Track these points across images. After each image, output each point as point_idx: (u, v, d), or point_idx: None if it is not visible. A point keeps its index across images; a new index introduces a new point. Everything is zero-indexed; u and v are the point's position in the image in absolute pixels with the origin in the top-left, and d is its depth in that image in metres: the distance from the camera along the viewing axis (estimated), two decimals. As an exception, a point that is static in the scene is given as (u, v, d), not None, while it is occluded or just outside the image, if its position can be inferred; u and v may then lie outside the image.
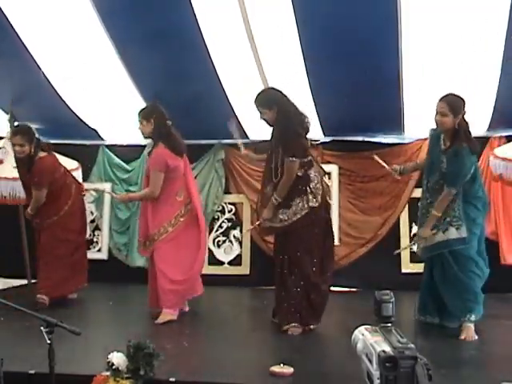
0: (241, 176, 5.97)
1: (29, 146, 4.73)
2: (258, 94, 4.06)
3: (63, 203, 4.90)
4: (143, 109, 4.49)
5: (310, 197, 3.96)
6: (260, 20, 4.45)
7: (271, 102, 3.96)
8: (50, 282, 4.82)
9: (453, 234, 3.85)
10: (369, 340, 2.04)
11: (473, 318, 3.83)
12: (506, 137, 5.37)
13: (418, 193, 5.53)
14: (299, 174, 3.97)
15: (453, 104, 3.76)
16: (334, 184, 5.73)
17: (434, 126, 3.94)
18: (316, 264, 3.99)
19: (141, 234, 4.55)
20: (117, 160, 6.27)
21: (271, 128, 4.10)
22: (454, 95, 3.80)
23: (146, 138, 4.55)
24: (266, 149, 4.18)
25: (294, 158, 3.90)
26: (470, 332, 3.79)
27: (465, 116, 3.79)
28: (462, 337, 3.77)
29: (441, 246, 3.89)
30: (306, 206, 3.96)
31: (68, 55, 4.92)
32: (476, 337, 3.77)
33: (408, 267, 5.54)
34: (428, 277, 4.14)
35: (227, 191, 6.03)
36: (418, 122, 5.32)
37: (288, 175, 3.93)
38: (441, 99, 3.80)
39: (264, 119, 4.03)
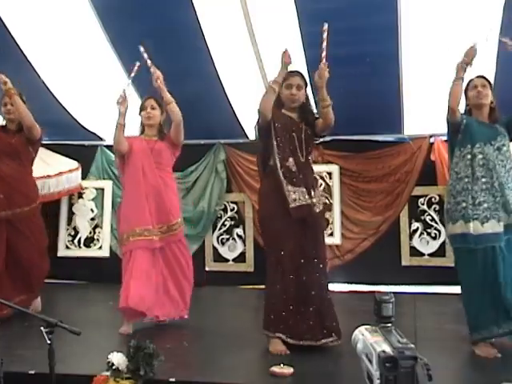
0: (241, 176, 5.97)
1: None
2: (298, 71, 3.84)
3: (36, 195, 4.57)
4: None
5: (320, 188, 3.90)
6: (261, 20, 4.45)
7: None
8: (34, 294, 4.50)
9: None
10: (369, 340, 2.04)
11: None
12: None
13: (418, 191, 5.61)
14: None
15: (488, 79, 3.70)
16: (335, 184, 5.73)
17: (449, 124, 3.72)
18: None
19: (157, 218, 4.13)
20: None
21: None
22: None
23: (150, 125, 4.27)
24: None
25: None
26: None
27: None
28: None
29: None
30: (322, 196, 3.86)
31: (65, 55, 4.91)
32: None
33: (408, 261, 5.59)
34: (488, 279, 3.42)
35: (229, 190, 6.04)
36: (418, 121, 5.32)
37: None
38: (477, 77, 3.69)
39: (295, 95, 3.76)
